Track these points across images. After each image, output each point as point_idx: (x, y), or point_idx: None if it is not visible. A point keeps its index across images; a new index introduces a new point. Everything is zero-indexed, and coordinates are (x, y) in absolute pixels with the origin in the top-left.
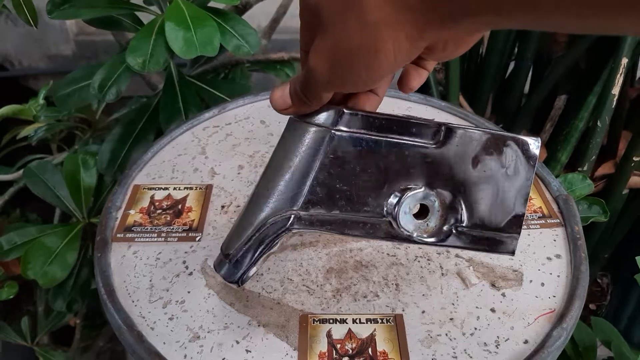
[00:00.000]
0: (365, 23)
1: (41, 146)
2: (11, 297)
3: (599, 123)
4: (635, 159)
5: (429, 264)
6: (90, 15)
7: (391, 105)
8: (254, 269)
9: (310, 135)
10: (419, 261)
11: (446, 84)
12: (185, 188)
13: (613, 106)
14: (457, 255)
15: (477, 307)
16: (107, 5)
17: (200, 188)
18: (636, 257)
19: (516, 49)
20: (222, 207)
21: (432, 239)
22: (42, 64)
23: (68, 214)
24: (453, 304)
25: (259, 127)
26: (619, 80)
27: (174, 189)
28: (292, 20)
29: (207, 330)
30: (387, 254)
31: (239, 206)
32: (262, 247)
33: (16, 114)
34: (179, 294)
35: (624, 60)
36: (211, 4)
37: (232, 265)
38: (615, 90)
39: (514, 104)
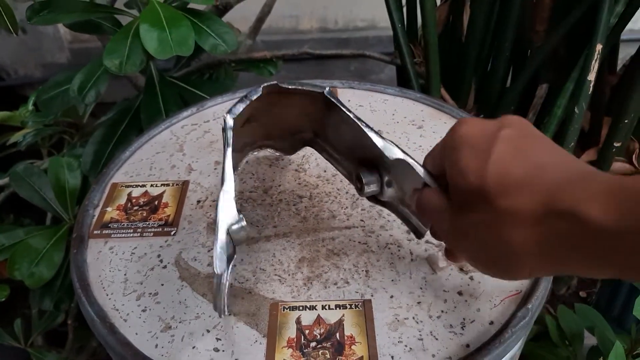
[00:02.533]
0: (506, 252)
1: (33, 152)
2: (3, 299)
3: (576, 110)
4: (616, 144)
5: (399, 250)
6: (69, 19)
7: (367, 98)
8: None
9: None
10: (389, 248)
11: (427, 76)
12: (162, 185)
13: (589, 92)
14: (427, 242)
15: (444, 291)
16: (85, 10)
17: (176, 184)
18: None
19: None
20: (198, 202)
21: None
22: (37, 72)
23: (56, 216)
24: (421, 289)
25: None
26: (595, 66)
27: (151, 185)
28: (284, 20)
29: (179, 320)
30: (359, 242)
31: (214, 200)
32: None
33: (5, 120)
34: (152, 286)
35: (599, 47)
36: (191, 6)
37: None
38: (592, 77)
39: (495, 94)
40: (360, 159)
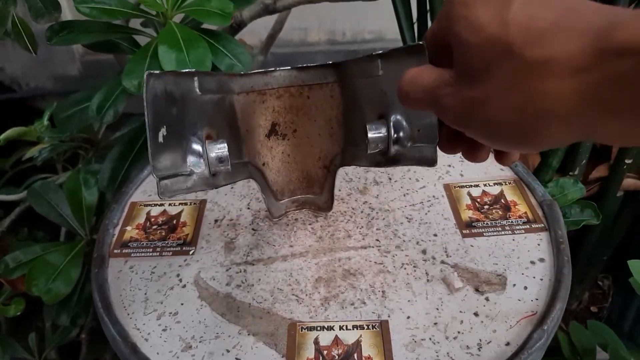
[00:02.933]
0: (537, 110)
1: (47, 166)
2: (18, 313)
3: None
4: (627, 161)
5: (415, 270)
6: (88, 40)
7: None
8: None
9: None
10: (405, 268)
11: None
12: (180, 204)
13: None
14: (442, 262)
15: (460, 312)
16: (104, 30)
17: (194, 203)
18: (628, 262)
19: None
20: (215, 221)
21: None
22: (49, 84)
23: (71, 231)
24: (437, 309)
25: None
26: None
27: (169, 204)
28: (293, 33)
29: (199, 340)
30: (375, 262)
31: (232, 220)
32: None
33: (21, 135)
34: (172, 306)
35: None
36: (205, 26)
37: None
38: None
39: None
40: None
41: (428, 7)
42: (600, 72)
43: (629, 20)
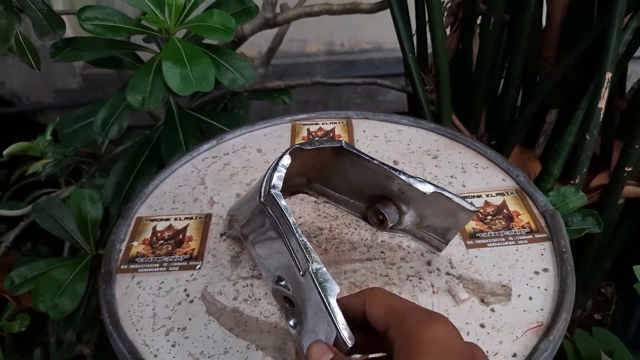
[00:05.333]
0: None
1: (50, 180)
2: (23, 329)
3: (587, 136)
4: (627, 169)
5: (420, 282)
6: (91, 56)
7: (381, 128)
8: None
9: None
10: (410, 280)
11: (438, 103)
12: (185, 218)
13: (600, 119)
14: (447, 274)
15: (467, 323)
16: (107, 47)
17: (199, 217)
18: (634, 267)
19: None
20: (221, 235)
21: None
22: (49, 98)
23: (75, 246)
24: None
25: (255, 156)
26: (605, 94)
27: (175, 219)
28: (291, 44)
29: (208, 355)
30: (380, 274)
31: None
32: None
33: (24, 150)
34: (180, 321)
35: (608, 75)
36: (206, 40)
37: None
38: (602, 104)
39: (506, 120)
40: (371, 196)
41: (427, 19)
42: None
43: None
